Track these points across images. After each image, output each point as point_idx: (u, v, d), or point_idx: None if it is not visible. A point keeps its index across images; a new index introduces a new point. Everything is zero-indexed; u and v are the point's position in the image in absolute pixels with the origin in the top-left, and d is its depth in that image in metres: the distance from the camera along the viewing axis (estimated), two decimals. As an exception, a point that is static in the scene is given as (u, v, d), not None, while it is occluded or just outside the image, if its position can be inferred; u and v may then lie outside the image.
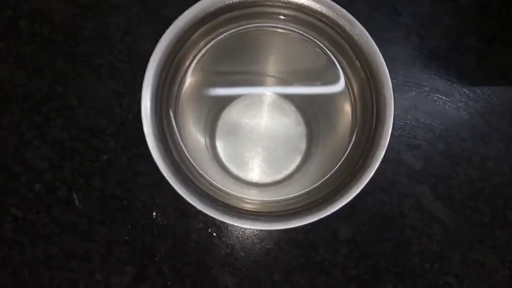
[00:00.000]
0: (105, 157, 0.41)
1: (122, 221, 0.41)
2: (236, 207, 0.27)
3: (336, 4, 0.27)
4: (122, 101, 0.42)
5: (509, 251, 0.43)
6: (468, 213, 0.43)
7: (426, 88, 0.44)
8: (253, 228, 0.25)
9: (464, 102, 0.44)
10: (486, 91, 0.44)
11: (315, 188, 0.29)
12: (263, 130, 0.39)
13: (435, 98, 0.44)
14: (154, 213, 0.41)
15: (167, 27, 0.33)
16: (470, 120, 0.44)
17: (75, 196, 0.41)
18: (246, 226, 0.26)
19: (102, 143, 0.42)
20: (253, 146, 0.39)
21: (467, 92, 0.44)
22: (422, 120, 0.44)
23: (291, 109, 0.40)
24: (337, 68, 0.31)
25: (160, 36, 0.31)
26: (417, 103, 0.44)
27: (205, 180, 0.30)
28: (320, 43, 0.31)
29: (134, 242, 0.41)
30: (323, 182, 0.29)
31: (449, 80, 0.44)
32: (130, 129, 0.42)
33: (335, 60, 0.30)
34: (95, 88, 0.42)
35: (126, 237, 0.41)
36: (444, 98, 0.44)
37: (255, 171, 0.39)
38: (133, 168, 0.41)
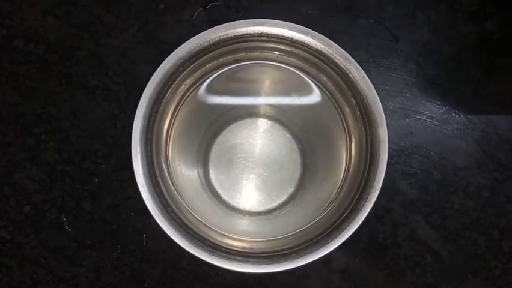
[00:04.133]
0: (96, 180, 0.41)
1: (111, 245, 0.40)
2: (225, 247, 0.27)
3: (331, 41, 0.27)
4: (116, 124, 0.41)
5: (504, 283, 0.42)
6: (462, 243, 0.42)
7: (423, 115, 0.44)
8: (242, 271, 0.25)
9: (461, 130, 0.44)
10: (483, 119, 0.44)
11: (306, 228, 0.29)
12: (257, 157, 0.39)
13: (432, 125, 0.44)
14: (145, 238, 0.40)
15: (163, 50, 0.33)
16: (466, 148, 0.43)
17: (64, 219, 0.40)
18: (234, 269, 0.25)
19: (93, 166, 0.41)
20: (246, 173, 0.39)
21: (464, 120, 0.44)
22: (418, 147, 0.43)
23: (286, 137, 0.39)
24: (332, 103, 0.30)
25: (155, 59, 0.31)
26: (413, 130, 0.43)
27: (195, 217, 0.29)
28: (315, 79, 0.30)
29: (123, 268, 0.40)
30: (315, 222, 0.29)
31: (446, 108, 0.44)
32: (122, 152, 0.41)
33: (330, 96, 0.30)
34: (88, 110, 0.42)
35: (115, 262, 0.40)
36: (441, 125, 0.44)
37: (248, 199, 0.38)
38: (124, 191, 0.41)
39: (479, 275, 0.42)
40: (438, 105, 0.44)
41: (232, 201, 0.38)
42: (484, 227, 0.42)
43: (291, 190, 0.38)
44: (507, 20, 0.44)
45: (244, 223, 0.36)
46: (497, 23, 0.44)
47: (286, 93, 0.38)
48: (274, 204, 0.38)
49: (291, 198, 0.38)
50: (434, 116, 0.44)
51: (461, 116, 0.44)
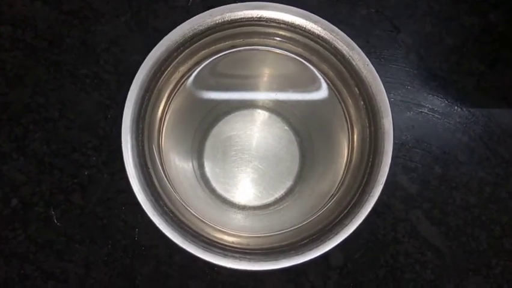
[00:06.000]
0: (86, 172, 0.40)
1: (102, 240, 0.39)
2: (220, 243, 0.25)
3: (334, 27, 0.26)
4: (106, 114, 0.40)
5: (505, 280, 0.41)
6: (464, 240, 0.41)
7: (425, 108, 0.43)
8: (239, 268, 0.24)
9: (463, 124, 0.43)
10: (486, 113, 0.43)
11: (305, 223, 0.28)
12: (254, 150, 0.38)
13: (433, 118, 0.43)
14: (136, 233, 0.39)
15: (156, 38, 0.31)
16: (468, 143, 0.43)
17: (53, 213, 0.39)
18: (230, 266, 0.24)
19: (83, 158, 0.40)
20: (243, 166, 0.38)
21: (467, 113, 0.43)
22: (419, 141, 0.42)
23: (284, 128, 0.38)
24: (334, 93, 0.29)
25: (148, 47, 0.29)
26: (414, 124, 0.43)
27: (189, 211, 0.28)
28: (317, 67, 0.29)
29: (114, 264, 0.39)
30: (315, 217, 0.28)
31: (448, 101, 0.43)
32: (114, 144, 0.40)
33: (332, 85, 0.29)
34: (78, 100, 0.40)
35: (105, 258, 0.39)
36: (442, 119, 0.43)
37: (244, 193, 0.37)
38: (115, 184, 0.40)
39: (481, 272, 0.41)
40: (440, 98, 0.43)
41: (227, 195, 0.37)
42: (486, 224, 0.42)
43: (289, 184, 0.37)
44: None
45: (240, 218, 0.34)
46: (501, 14, 0.44)
47: (285, 83, 0.37)
48: (272, 199, 0.37)
49: (289, 192, 0.37)
50: (435, 109, 0.43)
51: (464, 109, 0.43)
